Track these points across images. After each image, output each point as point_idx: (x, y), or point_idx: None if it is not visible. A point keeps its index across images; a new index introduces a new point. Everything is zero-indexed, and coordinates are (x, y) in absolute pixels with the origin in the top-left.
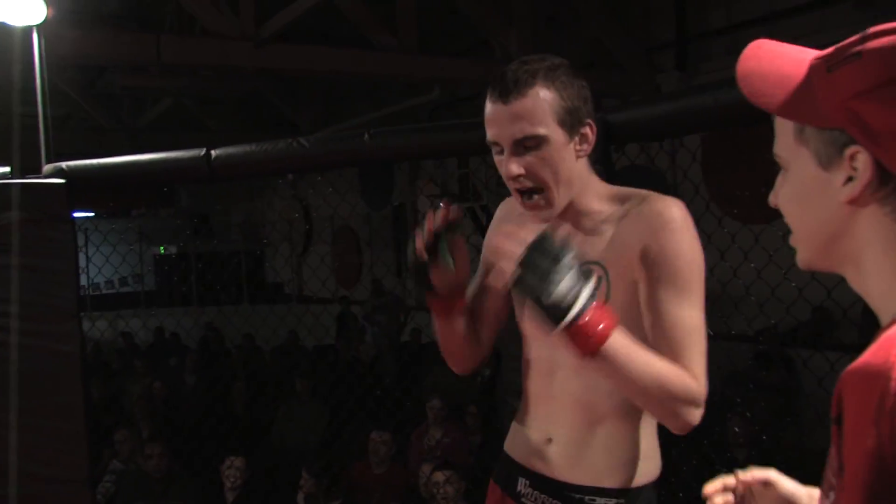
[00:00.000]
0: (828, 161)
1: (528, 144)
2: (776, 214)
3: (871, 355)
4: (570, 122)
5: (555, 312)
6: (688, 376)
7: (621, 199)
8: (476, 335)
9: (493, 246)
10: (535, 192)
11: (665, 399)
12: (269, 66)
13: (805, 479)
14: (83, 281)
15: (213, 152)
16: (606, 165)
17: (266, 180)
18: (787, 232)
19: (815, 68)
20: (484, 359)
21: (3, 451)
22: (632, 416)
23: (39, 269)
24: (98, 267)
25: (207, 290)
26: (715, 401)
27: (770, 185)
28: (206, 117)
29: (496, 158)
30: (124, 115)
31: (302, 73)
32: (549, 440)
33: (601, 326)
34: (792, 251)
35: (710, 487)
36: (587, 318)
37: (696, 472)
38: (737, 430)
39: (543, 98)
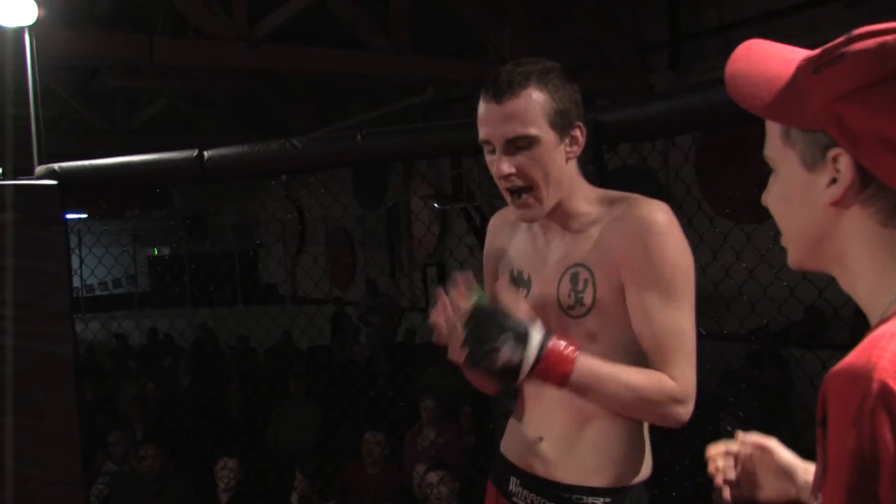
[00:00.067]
0: (812, 163)
1: (519, 144)
2: (768, 214)
3: (854, 357)
4: (560, 124)
5: (508, 373)
6: (666, 380)
7: (608, 202)
8: None
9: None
10: (524, 191)
11: (645, 407)
12: (263, 67)
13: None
14: (76, 282)
15: (205, 153)
16: (598, 165)
17: (259, 181)
18: (778, 232)
19: (803, 69)
20: None
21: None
22: (621, 417)
23: (32, 270)
24: (91, 268)
25: (201, 291)
26: (708, 400)
27: (762, 184)
28: (200, 118)
29: (488, 158)
30: (117, 117)
31: (295, 74)
32: (540, 439)
33: (560, 364)
34: (784, 251)
35: (714, 449)
36: (543, 364)
37: (688, 472)
38: (729, 429)
39: (536, 99)
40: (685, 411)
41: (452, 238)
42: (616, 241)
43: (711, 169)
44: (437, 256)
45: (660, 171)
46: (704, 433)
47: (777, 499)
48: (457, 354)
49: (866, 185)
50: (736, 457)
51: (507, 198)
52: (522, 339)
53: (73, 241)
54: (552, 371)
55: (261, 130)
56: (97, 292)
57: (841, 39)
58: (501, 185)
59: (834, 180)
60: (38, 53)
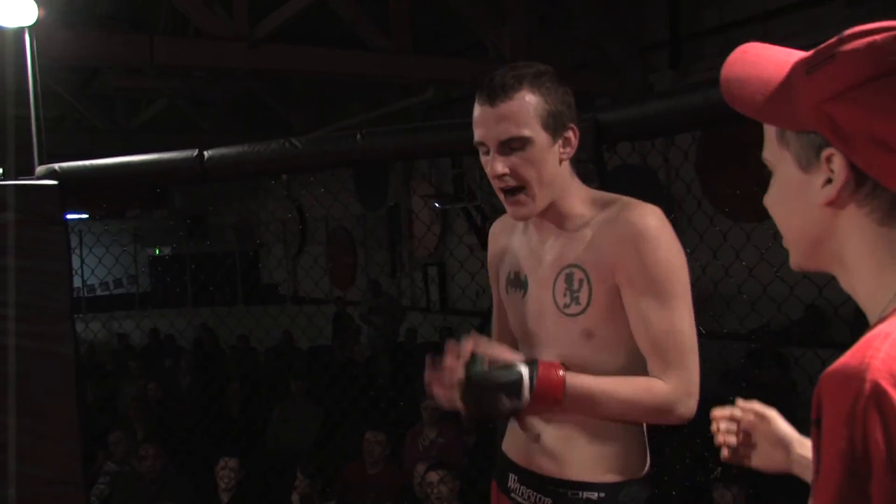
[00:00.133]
0: (807, 164)
1: (513, 145)
2: (767, 213)
3: (848, 357)
4: (553, 126)
5: (511, 412)
6: (657, 384)
7: (602, 204)
8: None
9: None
10: (517, 190)
11: (642, 413)
12: (263, 67)
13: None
14: (77, 282)
15: (205, 153)
16: (598, 164)
17: (259, 181)
18: (778, 230)
19: (796, 71)
20: None
21: (1, 452)
22: None
23: (32, 270)
24: (91, 269)
25: (202, 290)
26: (708, 399)
27: (761, 183)
28: (200, 118)
29: (483, 159)
30: (118, 117)
31: (296, 74)
32: (538, 437)
33: (551, 391)
34: (783, 249)
35: (718, 412)
36: (537, 396)
37: (688, 471)
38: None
39: (529, 102)
40: (685, 409)
41: (453, 237)
42: (609, 245)
43: (711, 168)
44: (437, 256)
45: (659, 171)
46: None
47: (770, 468)
48: (460, 408)
49: (861, 184)
50: (738, 422)
51: (501, 197)
52: (517, 386)
53: (74, 241)
54: (547, 398)
55: (261, 130)
56: (98, 292)
57: (832, 40)
58: (496, 184)
59: (829, 180)
60: (38, 54)
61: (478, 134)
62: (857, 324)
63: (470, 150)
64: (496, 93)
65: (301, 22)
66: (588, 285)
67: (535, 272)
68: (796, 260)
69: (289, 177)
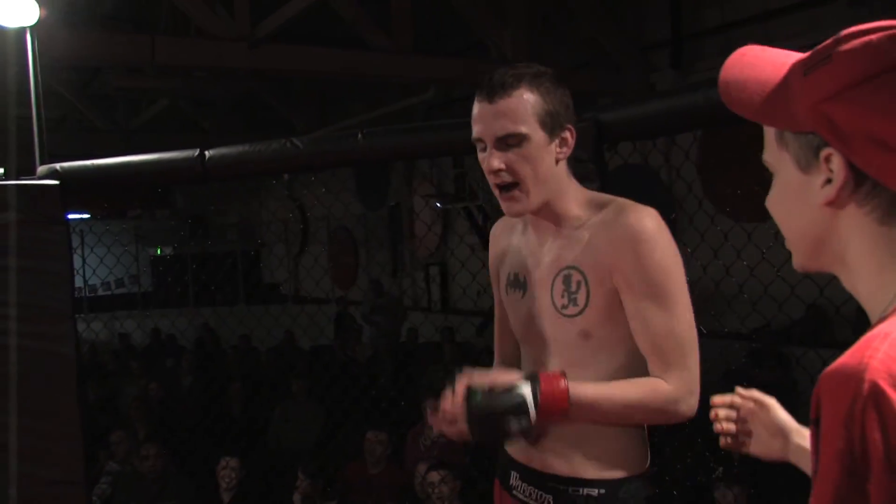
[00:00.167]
0: (806, 164)
1: (510, 142)
2: (768, 212)
3: (847, 357)
4: (550, 125)
5: (522, 433)
6: (660, 384)
7: (598, 206)
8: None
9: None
10: (512, 186)
11: (647, 414)
12: (264, 67)
13: (802, 476)
14: (79, 282)
15: (206, 153)
16: (599, 164)
17: (261, 181)
18: (779, 230)
19: (793, 72)
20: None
21: (2, 452)
22: None
23: (33, 270)
24: (93, 268)
25: (203, 290)
26: (709, 399)
27: (762, 183)
28: (202, 118)
29: (480, 156)
30: (119, 117)
31: (297, 74)
32: (541, 435)
33: (557, 402)
34: (784, 249)
35: (719, 399)
36: (543, 411)
37: (690, 470)
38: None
39: (527, 100)
40: (687, 407)
41: (454, 237)
42: (606, 247)
43: (713, 167)
44: (438, 256)
45: (661, 170)
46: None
47: (768, 455)
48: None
49: (860, 183)
50: (738, 410)
51: (496, 193)
52: (522, 407)
53: (76, 241)
54: (553, 411)
55: (262, 130)
56: (100, 292)
57: (829, 41)
58: (491, 180)
59: (828, 181)
60: (39, 54)
61: (476, 130)
62: (859, 323)
63: (471, 150)
64: (495, 90)
65: (302, 22)
66: (586, 287)
67: (534, 273)
68: (799, 261)
69: (290, 176)
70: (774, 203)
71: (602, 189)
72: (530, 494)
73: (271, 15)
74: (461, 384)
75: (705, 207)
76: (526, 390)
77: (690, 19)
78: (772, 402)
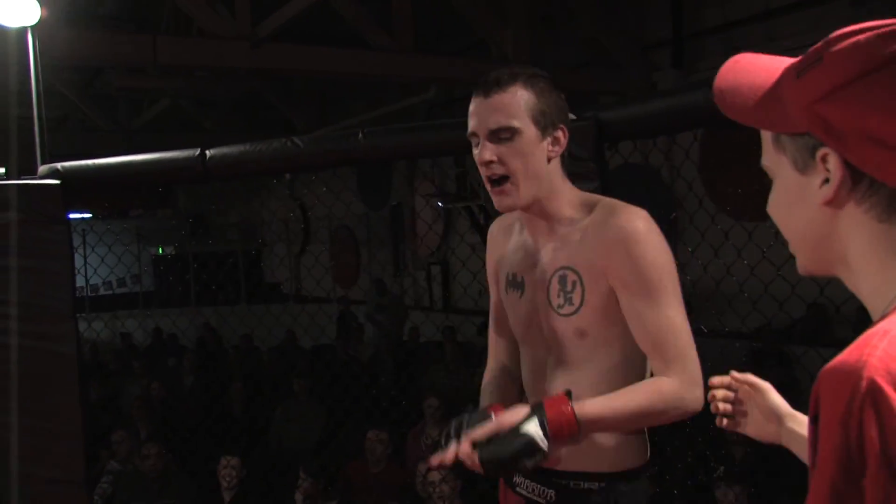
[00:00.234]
0: (804, 165)
1: (502, 135)
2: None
3: (846, 354)
4: (543, 123)
5: (539, 464)
6: (664, 383)
7: (589, 207)
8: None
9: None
10: (503, 180)
11: (656, 415)
12: (266, 67)
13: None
14: (80, 282)
15: (207, 152)
16: (600, 163)
17: (262, 180)
18: (779, 229)
19: (786, 76)
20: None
21: (4, 452)
22: None
23: (35, 270)
24: (94, 268)
25: (205, 290)
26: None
27: (763, 182)
28: (203, 118)
29: (474, 151)
30: (121, 116)
31: (298, 74)
32: None
33: (566, 428)
34: (785, 248)
35: (717, 380)
36: (554, 441)
37: (691, 469)
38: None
39: (520, 96)
40: (692, 399)
41: (455, 236)
42: (600, 248)
43: (713, 166)
44: (440, 255)
45: (662, 169)
46: (707, 431)
47: (762, 437)
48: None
49: (858, 181)
50: (735, 392)
51: (488, 187)
52: (531, 446)
53: (77, 241)
54: (563, 437)
55: (264, 130)
56: (101, 292)
57: (819, 44)
58: (483, 172)
59: (826, 180)
60: (41, 53)
61: (470, 125)
62: (860, 322)
63: (472, 149)
64: (491, 86)
65: (303, 21)
66: (581, 286)
67: (531, 274)
68: (803, 264)
69: (291, 176)
70: (775, 207)
71: (603, 188)
72: (533, 490)
73: (272, 14)
74: (466, 444)
75: (706, 207)
76: (533, 427)
77: (692, 18)
78: (766, 386)
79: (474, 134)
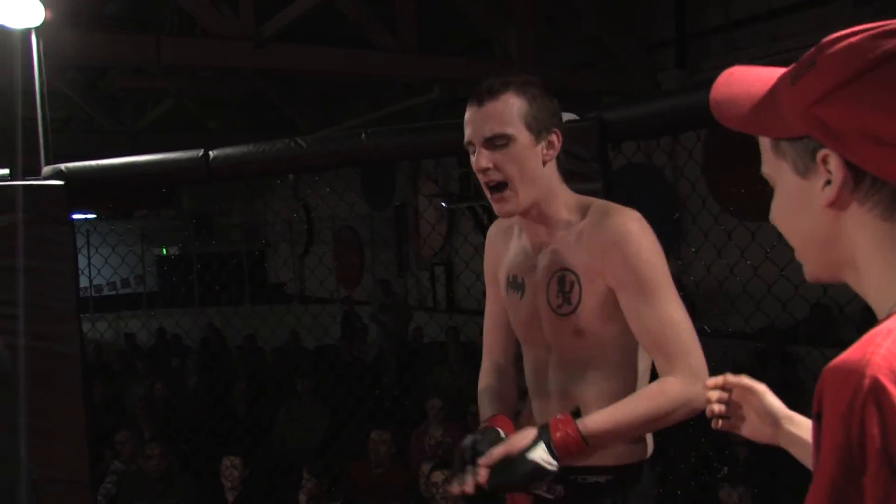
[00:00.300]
0: (805, 169)
1: (497, 142)
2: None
3: (850, 352)
4: (536, 128)
5: (553, 481)
6: (668, 383)
7: (585, 210)
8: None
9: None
10: (501, 186)
11: (665, 416)
12: (269, 67)
13: (805, 476)
14: (84, 283)
15: (210, 153)
16: (603, 164)
17: (266, 181)
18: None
19: (781, 83)
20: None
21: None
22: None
23: (39, 270)
24: (98, 268)
25: (208, 290)
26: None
27: (766, 181)
28: (207, 118)
29: (472, 159)
30: (125, 117)
31: (302, 74)
32: None
33: (573, 446)
34: (788, 248)
35: (711, 381)
36: (563, 459)
37: (694, 470)
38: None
39: (513, 103)
40: (698, 395)
41: (459, 237)
42: (595, 249)
43: (717, 166)
44: (443, 255)
45: (665, 169)
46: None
47: (759, 439)
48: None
49: (859, 181)
50: (730, 393)
51: (487, 194)
52: (540, 470)
53: (81, 241)
54: (572, 454)
55: (267, 130)
56: (105, 292)
57: (812, 50)
58: (481, 179)
59: (828, 182)
60: (45, 54)
61: (466, 133)
62: (864, 322)
63: None
64: (483, 95)
65: (307, 21)
66: (578, 287)
67: (531, 276)
68: (810, 270)
69: (295, 176)
70: (778, 214)
71: (606, 188)
72: (542, 485)
73: (276, 15)
74: (484, 473)
75: (709, 207)
76: (540, 453)
77: (695, 18)
78: (761, 388)
79: (470, 142)
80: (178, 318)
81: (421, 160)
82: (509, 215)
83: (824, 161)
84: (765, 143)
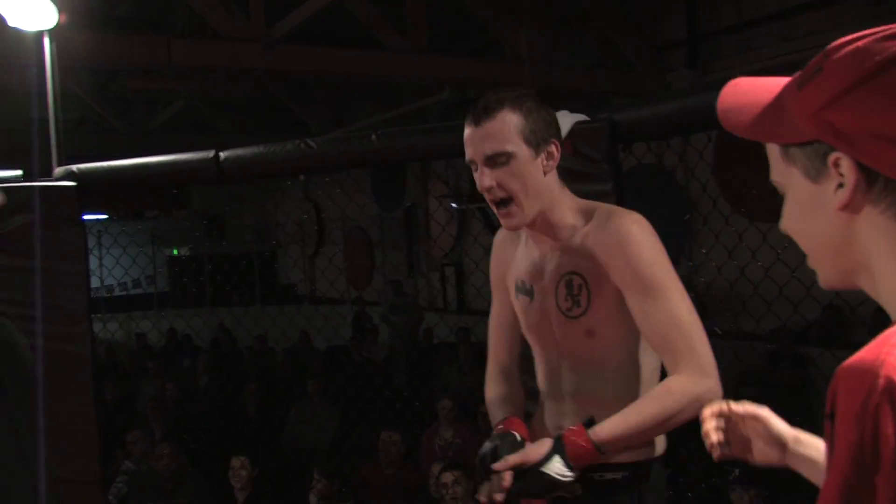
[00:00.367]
0: (816, 173)
1: (498, 160)
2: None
3: (864, 352)
4: (535, 141)
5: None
6: (674, 382)
7: (588, 213)
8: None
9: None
10: (506, 202)
11: (677, 414)
12: (280, 68)
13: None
14: (95, 283)
15: (221, 154)
16: (613, 165)
17: (276, 181)
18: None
19: (787, 90)
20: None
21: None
22: (630, 401)
23: (50, 271)
24: (109, 269)
25: (219, 291)
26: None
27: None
28: (218, 119)
29: (474, 175)
30: (136, 118)
31: (312, 75)
32: (560, 427)
33: (587, 456)
34: (800, 249)
35: (707, 411)
36: (577, 468)
37: (706, 472)
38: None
39: (509, 120)
40: (707, 391)
41: (469, 238)
42: (599, 252)
43: (728, 167)
44: (453, 256)
45: (676, 170)
46: None
47: (767, 463)
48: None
49: (872, 183)
50: (728, 419)
51: (493, 209)
52: (555, 483)
53: (92, 242)
54: (585, 462)
55: (278, 131)
56: (116, 292)
57: (818, 56)
58: (486, 197)
59: (840, 185)
60: (58, 56)
61: (467, 153)
62: (876, 324)
63: None
64: (480, 114)
65: (317, 23)
66: (587, 289)
67: (539, 282)
68: (825, 277)
69: (305, 177)
70: (790, 220)
71: (617, 189)
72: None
73: (287, 16)
74: (509, 479)
75: (720, 208)
76: (555, 467)
77: (706, 18)
78: (765, 414)
79: (472, 161)
80: (188, 319)
81: (431, 161)
82: (516, 228)
83: (836, 164)
84: (773, 150)
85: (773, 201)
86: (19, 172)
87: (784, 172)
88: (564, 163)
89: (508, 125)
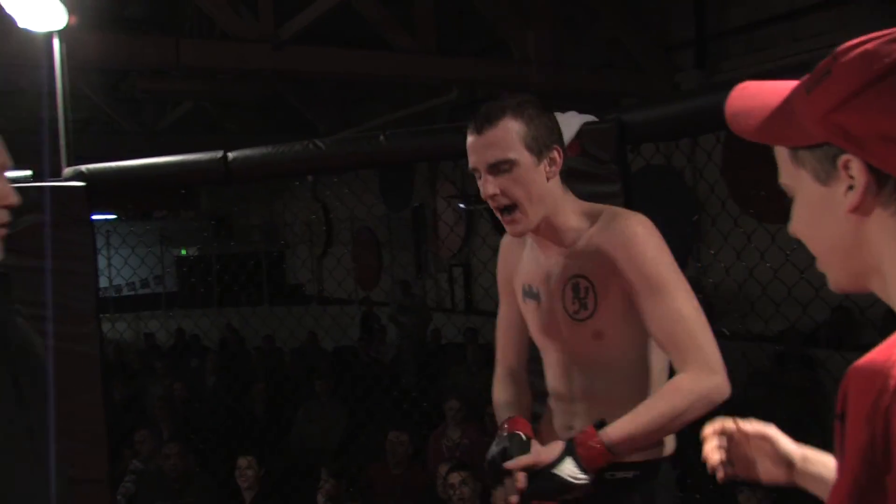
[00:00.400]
0: (826, 176)
1: (501, 168)
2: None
3: (875, 353)
4: (537, 148)
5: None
6: (681, 380)
7: (593, 216)
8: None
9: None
10: (511, 209)
11: (684, 417)
12: (288, 69)
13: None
14: (104, 283)
15: (229, 154)
16: (622, 165)
17: (285, 182)
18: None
19: (796, 93)
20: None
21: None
22: (639, 401)
23: (59, 271)
24: (117, 269)
25: (227, 291)
26: (734, 402)
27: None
28: (226, 120)
29: (478, 183)
30: (145, 118)
31: (320, 75)
32: (570, 428)
33: (599, 457)
34: (808, 251)
35: (709, 428)
36: (591, 471)
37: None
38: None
39: (511, 128)
40: (714, 388)
41: (477, 238)
42: (604, 254)
43: (736, 168)
44: (461, 257)
45: (684, 171)
46: None
47: (774, 481)
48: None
49: (882, 185)
50: (730, 437)
51: (498, 216)
52: (568, 486)
53: (100, 242)
54: (598, 465)
55: (287, 131)
56: (125, 292)
57: (826, 59)
58: (491, 205)
59: (850, 187)
60: (67, 57)
61: (470, 161)
62: (886, 326)
63: None
64: (482, 123)
65: (326, 23)
66: (593, 291)
67: (546, 285)
68: (835, 280)
69: (314, 178)
70: (799, 223)
71: (626, 190)
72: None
73: (295, 17)
74: (523, 479)
75: (728, 209)
76: (567, 469)
77: (715, 19)
78: (772, 433)
79: (475, 169)
80: (196, 319)
81: (439, 162)
82: (521, 235)
83: (846, 166)
84: (782, 153)
85: (781, 202)
86: (29, 173)
87: (793, 175)
88: (573, 163)
89: (510, 132)
